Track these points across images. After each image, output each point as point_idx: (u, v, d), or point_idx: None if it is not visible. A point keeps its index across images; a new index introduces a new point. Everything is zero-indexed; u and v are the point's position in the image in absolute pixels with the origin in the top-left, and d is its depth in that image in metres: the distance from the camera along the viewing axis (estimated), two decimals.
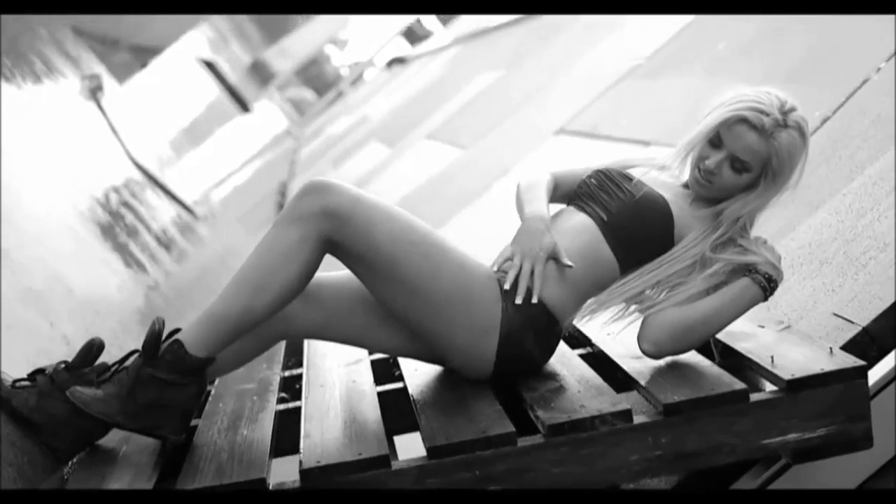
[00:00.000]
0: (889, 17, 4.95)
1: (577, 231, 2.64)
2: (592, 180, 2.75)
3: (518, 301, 2.48)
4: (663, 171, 2.79)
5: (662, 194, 2.66)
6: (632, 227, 2.62)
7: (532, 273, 2.51)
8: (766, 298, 2.55)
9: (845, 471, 2.66)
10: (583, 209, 2.70)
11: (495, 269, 2.56)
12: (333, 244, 2.46)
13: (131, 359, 2.51)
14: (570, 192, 2.80)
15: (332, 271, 2.63)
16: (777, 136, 2.52)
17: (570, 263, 2.54)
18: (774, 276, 2.54)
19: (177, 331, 2.48)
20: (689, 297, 2.55)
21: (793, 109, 2.55)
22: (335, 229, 2.44)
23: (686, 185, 2.72)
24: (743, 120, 2.53)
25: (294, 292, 2.48)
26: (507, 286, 2.50)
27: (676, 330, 2.53)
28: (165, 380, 2.43)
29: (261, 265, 2.45)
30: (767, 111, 2.51)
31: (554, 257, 2.55)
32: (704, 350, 2.63)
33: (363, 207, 2.45)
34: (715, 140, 2.58)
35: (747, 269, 2.54)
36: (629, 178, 2.71)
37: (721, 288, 2.55)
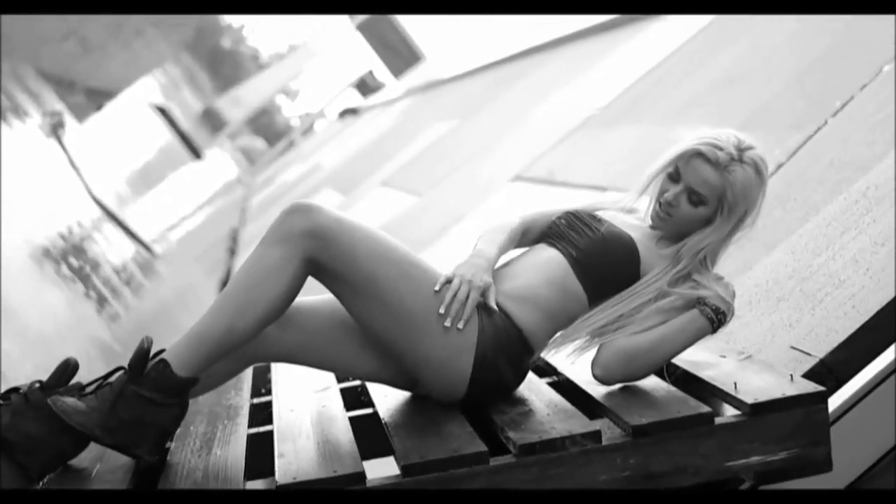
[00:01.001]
0: (841, 63, 5.11)
1: (549, 264, 2.71)
2: (562, 220, 2.82)
3: (447, 324, 2.54)
4: (630, 214, 2.88)
5: (629, 233, 2.75)
6: (599, 263, 2.69)
7: (466, 300, 2.57)
8: (714, 331, 2.62)
9: None
10: (553, 245, 2.77)
11: (437, 288, 2.59)
12: (315, 264, 2.51)
13: (115, 375, 2.53)
14: (540, 234, 2.87)
15: (308, 296, 2.67)
16: (731, 171, 2.61)
17: (494, 307, 2.61)
18: (723, 309, 2.61)
19: (162, 351, 2.51)
20: (641, 328, 2.63)
21: (749, 148, 2.64)
22: (318, 249, 2.49)
23: (653, 227, 2.81)
24: (699, 154, 2.62)
25: (278, 312, 2.52)
26: (441, 310, 2.56)
27: (625, 356, 2.61)
28: (149, 398, 2.46)
29: (245, 285, 2.50)
30: (722, 146, 2.61)
31: (484, 296, 2.61)
32: (671, 375, 2.70)
33: (345, 228, 2.51)
34: (674, 174, 2.67)
35: (697, 302, 2.62)
36: (597, 219, 2.79)
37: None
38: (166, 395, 2.47)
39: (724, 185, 2.62)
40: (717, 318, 2.60)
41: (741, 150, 2.62)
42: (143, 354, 2.47)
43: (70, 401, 2.46)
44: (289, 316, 2.61)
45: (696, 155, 2.63)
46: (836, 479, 2.64)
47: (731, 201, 2.63)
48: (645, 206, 2.86)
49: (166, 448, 2.68)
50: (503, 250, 2.78)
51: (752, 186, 2.63)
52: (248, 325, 2.49)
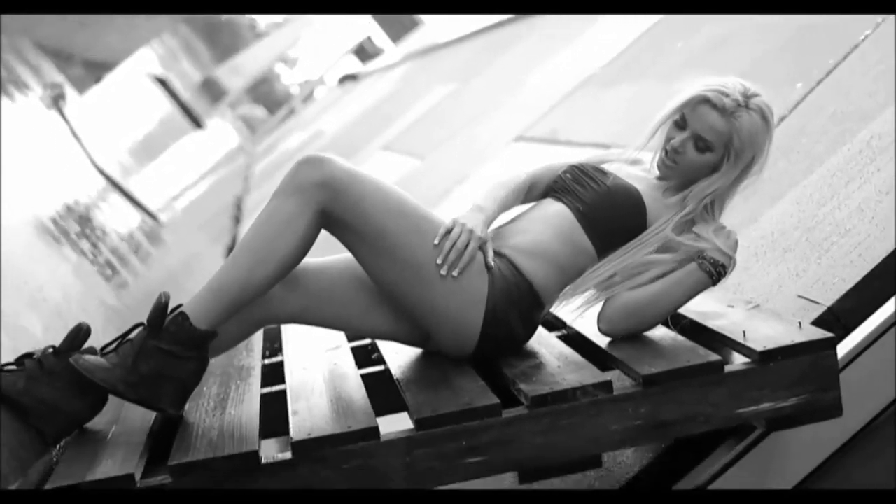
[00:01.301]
0: (838, 23, 5.10)
1: (556, 218, 2.72)
2: (567, 175, 2.83)
3: (442, 273, 2.56)
4: (635, 165, 2.89)
5: (635, 185, 2.76)
6: (606, 216, 2.71)
7: (465, 250, 2.58)
8: (714, 283, 2.63)
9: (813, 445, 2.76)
10: (560, 199, 2.78)
11: (436, 241, 2.59)
12: (328, 215, 2.53)
13: (135, 332, 2.56)
14: (546, 189, 2.88)
15: (316, 257, 2.69)
16: (738, 117, 2.62)
17: (492, 264, 2.62)
18: (722, 262, 2.61)
19: (180, 306, 2.53)
20: (645, 281, 2.65)
21: (755, 95, 2.66)
22: (331, 200, 2.51)
23: (659, 178, 2.82)
24: (705, 100, 2.64)
25: (294, 262, 2.54)
26: (439, 260, 2.57)
27: (627, 311, 2.64)
28: (168, 351, 2.48)
29: (260, 236, 2.52)
30: (729, 93, 2.62)
31: (483, 250, 2.63)
32: (680, 325, 2.72)
33: (358, 179, 2.53)
34: (680, 122, 2.69)
35: (697, 256, 2.63)
36: (603, 172, 2.80)
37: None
38: (186, 348, 2.49)
39: (730, 131, 2.63)
40: (715, 272, 2.61)
41: (747, 96, 2.63)
42: (161, 309, 2.49)
43: (92, 358, 2.49)
44: (296, 276, 2.63)
45: (702, 101, 2.64)
46: (845, 424, 2.66)
47: (738, 147, 2.64)
48: (649, 157, 2.87)
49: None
50: (504, 206, 2.79)
51: (759, 132, 2.64)
52: (265, 276, 2.51)
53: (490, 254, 2.62)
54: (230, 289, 2.50)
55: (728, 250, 2.63)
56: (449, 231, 2.59)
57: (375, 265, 2.58)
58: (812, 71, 4.70)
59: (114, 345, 2.57)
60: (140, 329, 2.53)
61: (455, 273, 2.55)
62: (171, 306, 2.54)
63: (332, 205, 2.51)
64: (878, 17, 4.71)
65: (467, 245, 2.58)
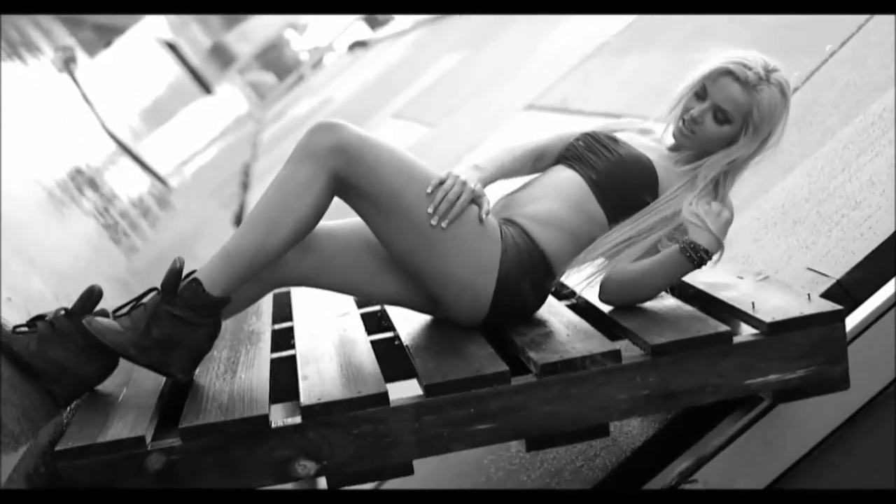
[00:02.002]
0: None
1: (570, 187, 2.73)
2: (580, 142, 2.84)
3: (433, 223, 2.55)
4: (646, 135, 2.90)
5: (647, 155, 2.76)
6: (619, 185, 2.71)
7: (457, 202, 2.56)
8: (696, 267, 2.62)
9: (819, 417, 2.77)
10: (572, 167, 2.79)
11: (429, 190, 2.58)
12: (342, 181, 2.53)
13: (149, 296, 2.57)
14: (558, 157, 2.88)
15: (328, 221, 2.70)
16: (759, 90, 2.63)
17: (484, 216, 2.60)
18: (704, 247, 2.59)
19: (193, 271, 2.54)
20: (646, 246, 2.67)
21: (776, 70, 2.67)
22: (345, 165, 2.51)
23: (671, 148, 2.82)
24: (727, 72, 2.65)
25: (307, 228, 2.55)
26: (430, 209, 2.55)
27: (619, 285, 2.67)
28: (181, 317, 2.49)
29: (274, 202, 2.52)
30: (751, 66, 2.63)
31: (477, 202, 2.61)
32: (688, 297, 2.73)
33: (371, 145, 2.53)
34: (700, 92, 2.69)
35: (682, 240, 2.63)
36: (616, 141, 2.81)
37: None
38: (199, 314, 2.50)
39: (751, 103, 2.64)
40: (696, 257, 2.59)
41: (768, 70, 2.65)
42: (175, 274, 2.50)
43: (104, 321, 2.50)
44: (309, 239, 2.63)
45: (724, 73, 2.65)
46: (851, 397, 2.67)
47: (757, 120, 2.65)
48: (660, 127, 2.88)
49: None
50: (504, 170, 2.79)
51: (778, 107, 2.65)
52: (279, 243, 2.51)
53: (485, 207, 2.61)
54: (244, 255, 2.51)
55: (717, 232, 2.61)
56: (442, 182, 2.58)
57: (388, 231, 2.58)
58: (826, 42, 4.68)
59: (126, 308, 2.58)
60: (153, 294, 2.54)
61: (444, 224, 2.55)
62: (184, 272, 2.55)
63: (345, 171, 2.52)
64: None
65: (460, 197, 2.57)
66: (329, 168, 2.51)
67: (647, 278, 2.65)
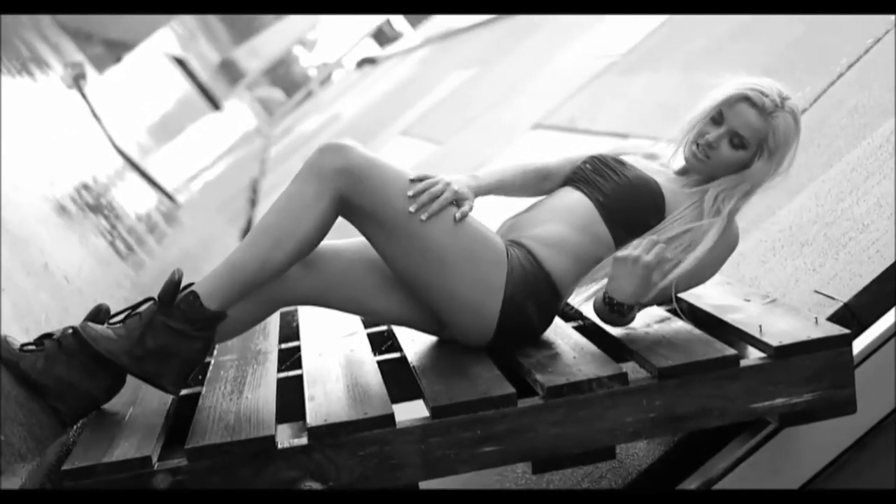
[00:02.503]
0: (860, 17, 5.08)
1: (576, 208, 2.74)
2: (587, 165, 2.85)
3: (411, 210, 2.54)
4: (653, 159, 2.91)
5: (655, 178, 2.78)
6: (626, 207, 2.73)
7: (438, 198, 2.58)
8: (618, 315, 2.63)
9: (826, 440, 2.77)
10: (579, 189, 2.80)
11: (411, 178, 2.60)
12: (347, 202, 2.55)
13: (145, 306, 2.58)
14: (565, 179, 2.90)
15: (333, 240, 2.70)
16: (775, 117, 2.67)
17: (458, 217, 2.59)
18: (618, 300, 2.60)
19: (191, 284, 2.55)
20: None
21: (789, 97, 2.71)
22: (350, 187, 2.52)
23: (678, 172, 2.84)
24: (745, 98, 2.67)
25: (310, 247, 2.56)
26: (410, 193, 2.55)
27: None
28: (176, 329, 2.50)
29: (278, 220, 2.54)
30: (767, 93, 2.67)
31: (458, 202, 2.61)
32: (695, 320, 2.73)
33: (377, 167, 2.55)
34: (717, 117, 2.72)
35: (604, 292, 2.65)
36: (623, 164, 2.82)
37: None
38: (194, 327, 2.51)
39: (767, 130, 2.67)
40: (613, 307, 2.62)
41: (783, 98, 2.68)
42: (173, 285, 2.51)
43: (99, 328, 2.52)
44: (313, 257, 2.65)
45: (742, 99, 2.68)
46: (858, 421, 2.66)
47: (772, 146, 2.68)
48: (667, 152, 2.89)
49: (195, 394, 2.73)
50: (503, 185, 2.80)
51: (792, 134, 2.69)
52: (280, 260, 2.52)
53: (465, 208, 2.61)
54: (244, 271, 2.52)
55: (634, 284, 2.59)
56: (426, 179, 2.60)
57: (394, 252, 2.59)
58: (834, 63, 4.69)
59: (122, 316, 2.59)
60: (150, 303, 2.55)
61: (423, 217, 2.55)
62: (184, 284, 2.56)
63: (351, 192, 2.53)
64: None
65: (442, 194, 2.58)
66: (334, 188, 2.53)
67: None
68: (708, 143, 2.71)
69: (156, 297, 2.55)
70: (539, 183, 2.87)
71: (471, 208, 2.64)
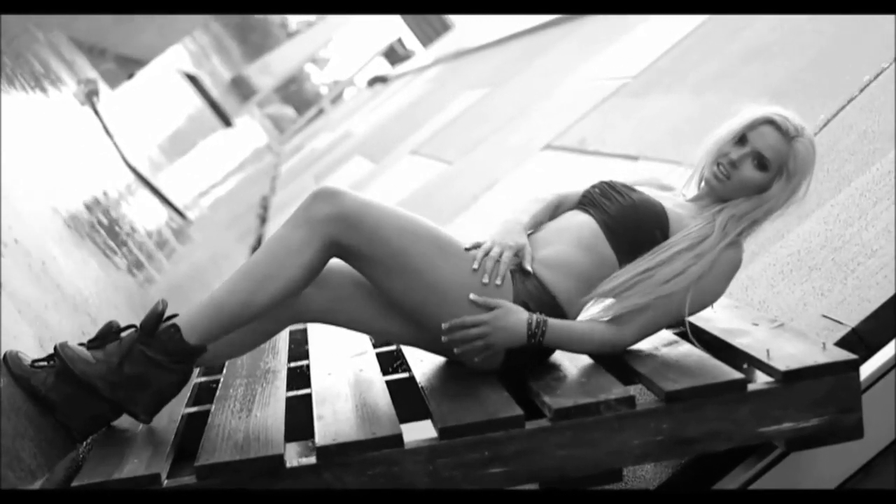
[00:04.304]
0: (870, 38, 5.10)
1: (581, 229, 2.76)
2: (596, 189, 2.88)
3: (484, 281, 2.60)
4: (666, 190, 2.95)
5: (661, 203, 2.80)
6: (630, 228, 2.74)
7: (500, 260, 2.64)
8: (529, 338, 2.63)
9: (832, 466, 2.77)
10: (586, 211, 2.82)
11: (467, 247, 2.66)
12: (341, 247, 2.58)
13: (127, 332, 2.60)
14: (573, 205, 2.92)
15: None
16: (797, 142, 2.73)
17: (529, 268, 2.67)
18: (534, 329, 2.61)
19: (175, 315, 2.57)
20: (652, 286, 2.67)
21: (806, 128, 2.77)
22: (344, 233, 2.55)
23: (690, 200, 2.87)
24: (769, 121, 2.73)
25: (295, 291, 2.60)
26: (475, 266, 2.61)
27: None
28: (154, 359, 2.53)
29: (265, 262, 2.57)
30: (790, 118, 2.73)
31: (520, 255, 2.68)
32: (703, 343, 2.74)
33: (372, 210, 2.58)
34: (740, 140, 2.77)
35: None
36: (631, 189, 2.85)
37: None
38: (172, 360, 2.54)
39: (788, 153, 2.72)
40: (535, 331, 2.61)
41: (802, 127, 2.74)
42: (156, 316, 2.54)
43: (78, 349, 2.54)
44: (326, 276, 2.67)
45: (766, 122, 2.73)
46: (865, 447, 2.67)
47: (792, 170, 2.72)
48: (679, 184, 2.93)
49: (205, 411, 2.74)
50: (536, 219, 2.84)
51: (810, 162, 2.75)
52: (262, 301, 2.55)
53: (528, 258, 2.68)
54: (228, 309, 2.55)
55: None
56: (478, 246, 2.68)
57: (397, 289, 2.62)
58: (843, 88, 4.70)
59: (101, 340, 2.61)
60: (131, 331, 2.58)
61: (498, 281, 2.61)
62: (178, 311, 2.59)
63: (344, 237, 2.56)
64: None
65: (503, 254, 2.64)
66: (324, 235, 2.56)
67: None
68: (731, 162, 2.75)
69: (138, 325, 2.57)
70: (555, 211, 2.93)
71: (530, 255, 2.70)
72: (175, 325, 2.54)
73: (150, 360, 2.53)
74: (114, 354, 2.54)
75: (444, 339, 2.59)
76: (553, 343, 2.62)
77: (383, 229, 2.57)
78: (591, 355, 2.77)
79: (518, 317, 2.60)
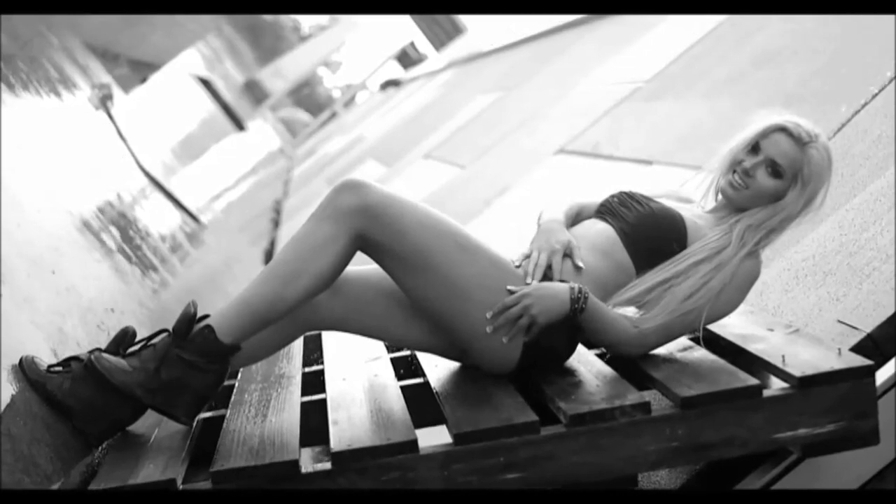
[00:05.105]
0: (883, 41, 5.08)
1: (599, 236, 2.78)
2: (615, 198, 2.90)
3: (529, 282, 2.63)
4: (684, 202, 2.95)
5: (680, 212, 2.80)
6: (647, 236, 2.76)
7: (550, 265, 2.67)
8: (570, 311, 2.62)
9: (847, 472, 2.76)
10: (604, 220, 2.83)
11: (517, 263, 2.68)
12: (366, 240, 2.57)
13: (159, 337, 2.60)
14: (592, 213, 2.94)
15: (358, 266, 2.72)
16: (810, 148, 2.72)
17: (581, 264, 2.68)
18: (577, 295, 2.62)
19: (206, 316, 2.58)
20: (671, 301, 2.69)
21: (821, 135, 2.76)
22: (368, 225, 2.55)
23: (709, 211, 2.88)
24: (782, 129, 2.73)
25: (324, 285, 2.59)
26: (528, 280, 2.62)
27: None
28: (191, 362, 2.53)
29: (293, 257, 2.56)
30: (803, 125, 2.73)
31: (568, 254, 2.68)
32: (718, 349, 2.74)
33: (396, 204, 2.58)
34: (753, 148, 2.77)
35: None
36: (649, 199, 2.86)
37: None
38: (208, 361, 2.54)
39: (802, 160, 2.72)
40: (578, 297, 2.62)
41: (816, 134, 2.74)
42: (188, 319, 2.54)
43: (114, 359, 2.54)
44: (339, 284, 2.67)
45: (778, 129, 2.74)
46: (881, 452, 2.66)
47: (806, 177, 2.72)
48: (697, 196, 2.93)
49: (220, 416, 2.75)
50: (568, 218, 2.88)
51: (825, 169, 2.74)
52: (293, 296, 2.55)
53: (577, 253, 2.72)
54: (258, 306, 2.55)
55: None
56: (526, 256, 2.73)
57: (416, 285, 2.62)
58: (857, 93, 4.69)
59: (137, 347, 2.62)
60: (164, 335, 2.58)
61: (557, 276, 2.68)
62: (203, 311, 2.59)
63: (369, 230, 2.56)
64: None
65: (551, 259, 2.70)
66: (351, 227, 2.56)
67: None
68: (745, 171, 2.75)
69: (170, 329, 2.58)
70: (575, 219, 2.95)
71: (579, 250, 2.73)
72: (209, 326, 2.55)
73: (186, 363, 2.53)
74: (149, 361, 2.55)
75: (488, 329, 2.59)
76: (589, 317, 2.61)
77: (406, 224, 2.57)
78: (607, 356, 2.77)
79: (560, 286, 2.61)
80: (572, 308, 2.59)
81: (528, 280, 2.63)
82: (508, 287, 2.61)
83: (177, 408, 2.55)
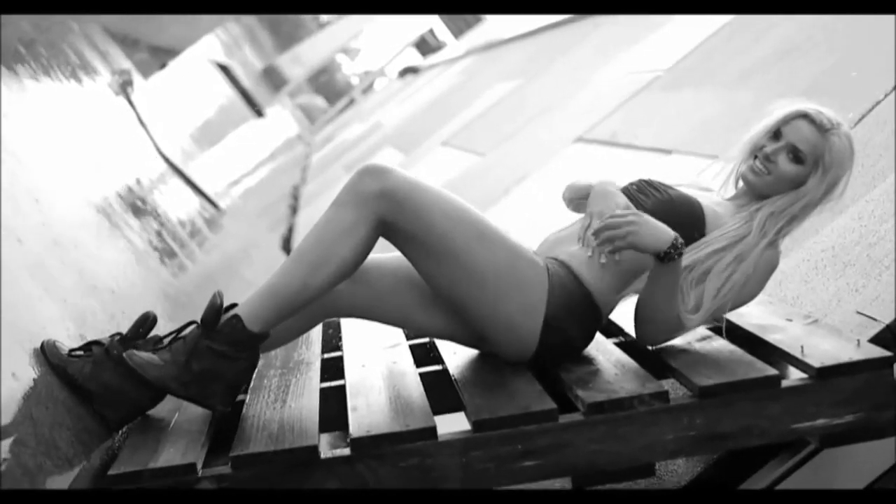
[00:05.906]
0: None
1: None
2: (633, 186, 2.90)
3: (603, 256, 2.66)
4: (705, 191, 2.95)
5: (699, 200, 2.80)
6: (664, 222, 2.73)
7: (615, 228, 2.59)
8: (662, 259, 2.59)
9: (865, 464, 2.76)
10: None
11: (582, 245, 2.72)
12: (388, 225, 2.58)
13: (188, 329, 2.61)
14: None
15: (378, 254, 2.73)
16: (832, 135, 2.72)
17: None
18: (677, 243, 2.58)
19: (233, 305, 2.59)
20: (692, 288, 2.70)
21: (843, 124, 2.76)
22: (391, 210, 2.55)
23: (729, 199, 2.87)
24: (803, 115, 2.74)
25: (349, 270, 2.59)
26: (588, 254, 2.68)
27: (639, 317, 2.72)
28: (221, 352, 2.54)
29: (318, 244, 2.56)
30: (825, 113, 2.73)
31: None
32: (737, 339, 2.74)
33: (419, 189, 2.58)
34: (775, 134, 2.77)
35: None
36: (668, 186, 2.86)
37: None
38: (238, 349, 2.55)
39: (823, 146, 2.72)
40: (677, 243, 2.58)
41: (838, 122, 2.74)
42: (216, 309, 2.55)
43: (145, 355, 2.55)
44: (360, 272, 2.68)
45: (800, 116, 2.74)
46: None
47: (828, 163, 2.71)
48: (717, 185, 2.93)
49: (239, 401, 2.76)
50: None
51: (847, 156, 2.73)
52: (320, 283, 2.55)
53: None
54: (285, 293, 2.56)
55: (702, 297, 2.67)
56: (587, 227, 2.74)
57: (436, 272, 2.62)
58: (873, 87, 4.67)
59: (167, 340, 2.63)
60: (193, 327, 2.59)
61: (617, 258, 2.68)
62: (226, 298, 2.60)
63: (392, 215, 2.56)
64: None
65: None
66: (374, 213, 2.56)
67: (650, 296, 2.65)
68: (766, 156, 2.75)
69: (198, 320, 2.59)
70: None
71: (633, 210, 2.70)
72: (237, 316, 2.56)
73: (217, 354, 2.54)
74: (180, 353, 2.56)
75: (591, 245, 2.67)
76: (669, 271, 2.58)
77: (428, 210, 2.57)
78: (624, 348, 2.78)
79: (668, 229, 2.57)
80: (665, 252, 2.55)
81: (588, 253, 2.68)
82: (618, 210, 2.63)
83: (211, 397, 2.56)
